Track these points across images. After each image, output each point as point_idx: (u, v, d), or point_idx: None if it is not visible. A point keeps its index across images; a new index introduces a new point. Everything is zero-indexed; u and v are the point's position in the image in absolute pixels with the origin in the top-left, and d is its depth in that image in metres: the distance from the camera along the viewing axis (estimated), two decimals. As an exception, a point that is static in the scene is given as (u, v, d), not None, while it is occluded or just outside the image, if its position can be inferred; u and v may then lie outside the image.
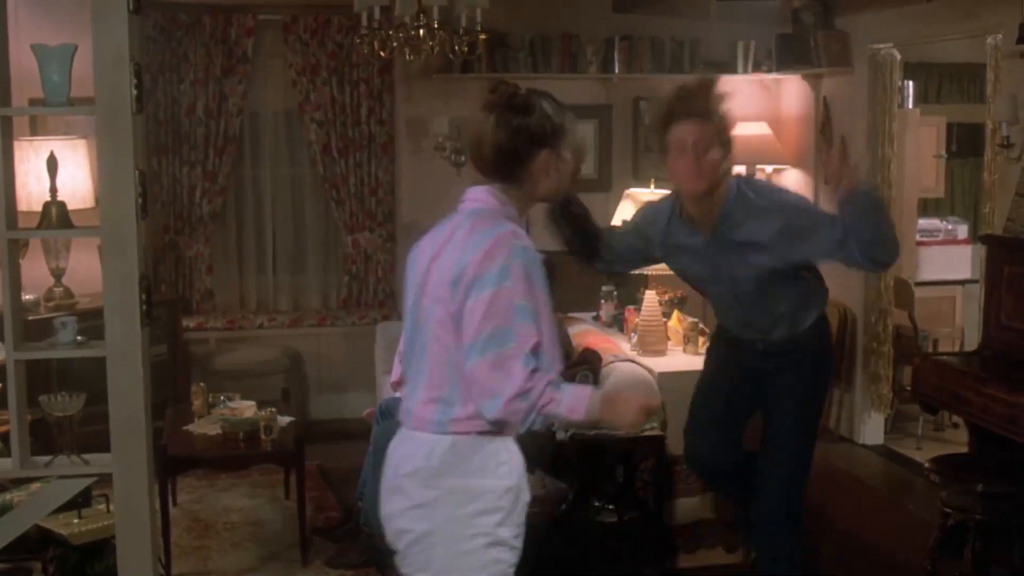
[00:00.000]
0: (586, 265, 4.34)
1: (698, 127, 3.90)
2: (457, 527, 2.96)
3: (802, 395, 4.29)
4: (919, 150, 8.30)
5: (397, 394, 5.98)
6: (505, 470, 2.99)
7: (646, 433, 4.65)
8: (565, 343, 5.54)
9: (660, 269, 5.57)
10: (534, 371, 2.84)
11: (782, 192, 4.23)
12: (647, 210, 4.39)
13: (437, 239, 3.11)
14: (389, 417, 5.33)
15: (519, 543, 3.05)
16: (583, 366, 5.10)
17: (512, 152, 3.01)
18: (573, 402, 2.88)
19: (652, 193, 5.68)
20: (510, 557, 3.03)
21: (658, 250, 4.29)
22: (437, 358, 2.99)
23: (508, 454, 3.01)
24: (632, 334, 5.80)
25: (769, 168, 8.17)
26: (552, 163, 3.05)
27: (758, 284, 4.05)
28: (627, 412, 2.94)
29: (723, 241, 4.01)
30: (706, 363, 4.62)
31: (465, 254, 2.93)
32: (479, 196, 3.08)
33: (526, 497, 3.06)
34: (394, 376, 6.20)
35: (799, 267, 4.11)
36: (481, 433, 2.95)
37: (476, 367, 2.85)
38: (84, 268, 6.65)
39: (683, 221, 4.11)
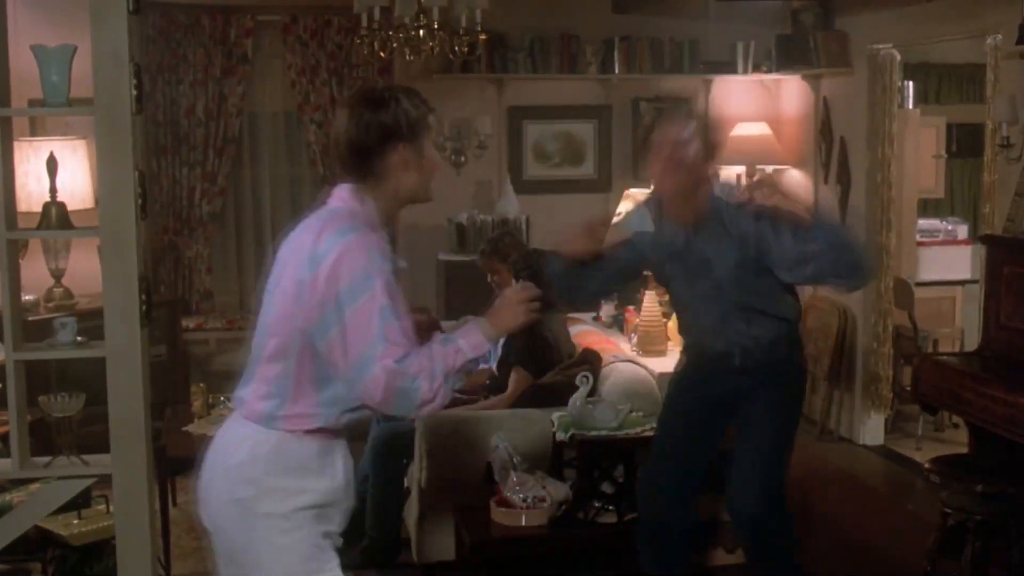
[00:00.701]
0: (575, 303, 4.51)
1: (680, 129, 4.04)
2: (276, 524, 2.93)
3: (782, 409, 4.24)
4: (919, 150, 8.30)
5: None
6: (330, 472, 2.99)
7: (645, 434, 4.64)
8: (566, 343, 5.54)
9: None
10: (406, 356, 2.81)
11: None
12: (629, 222, 4.42)
13: (297, 234, 3.07)
14: (387, 418, 5.33)
15: (335, 545, 3.04)
16: (583, 366, 5.10)
17: (365, 147, 2.98)
18: (470, 341, 2.89)
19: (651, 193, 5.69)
20: (330, 560, 3.02)
21: (649, 255, 4.28)
22: (273, 354, 2.97)
23: (333, 456, 3.01)
24: (632, 334, 5.80)
25: (769, 168, 8.17)
26: (410, 159, 3.01)
27: (739, 275, 4.05)
28: (511, 311, 2.98)
29: (706, 235, 4.06)
30: (664, 408, 4.50)
31: (314, 260, 2.89)
32: (342, 195, 3.07)
33: (349, 502, 3.07)
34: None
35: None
36: (309, 432, 2.95)
37: (370, 385, 2.81)
38: (84, 269, 6.64)
39: (666, 222, 4.17)
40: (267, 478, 2.93)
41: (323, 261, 2.86)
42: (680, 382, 4.47)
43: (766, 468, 4.16)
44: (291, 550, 2.94)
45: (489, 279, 5.98)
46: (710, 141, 4.08)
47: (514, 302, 3.00)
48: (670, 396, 4.49)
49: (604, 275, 4.28)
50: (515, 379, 5.34)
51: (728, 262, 4.05)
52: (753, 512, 4.13)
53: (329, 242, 2.89)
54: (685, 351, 4.51)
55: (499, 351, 5.81)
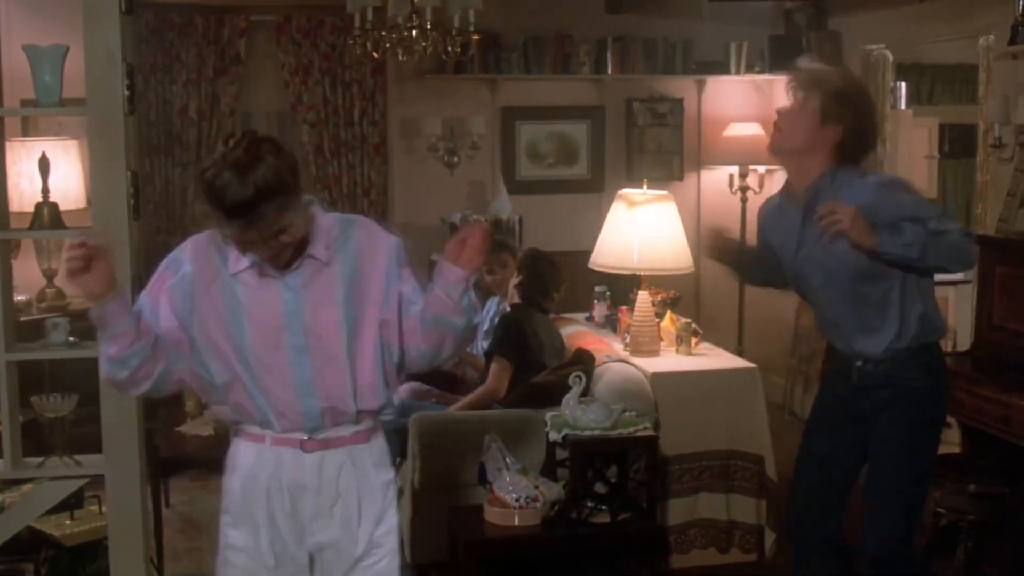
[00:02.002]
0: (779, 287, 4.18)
1: (803, 90, 3.73)
2: None
3: (905, 441, 3.82)
4: (911, 151, 8.31)
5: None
6: (236, 473, 3.05)
7: (638, 434, 4.64)
8: (553, 340, 5.56)
9: (653, 270, 5.59)
10: None
11: (883, 174, 3.93)
12: (763, 212, 4.10)
13: None
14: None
15: (249, 545, 3.02)
16: (576, 366, 5.10)
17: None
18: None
19: (644, 194, 5.69)
20: (241, 561, 3.03)
21: (770, 237, 3.98)
22: None
23: (242, 455, 3.06)
24: (625, 334, 5.79)
25: (762, 169, 8.18)
26: None
27: (852, 275, 3.69)
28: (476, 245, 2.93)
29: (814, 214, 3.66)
30: (813, 406, 4.16)
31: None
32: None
33: (259, 505, 3.03)
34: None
35: (904, 279, 3.73)
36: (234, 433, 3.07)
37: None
38: (76, 269, 6.63)
39: (788, 199, 3.87)
40: None
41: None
42: (824, 383, 4.19)
43: (887, 506, 3.81)
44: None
45: (486, 274, 5.99)
46: (835, 102, 3.70)
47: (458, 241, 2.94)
48: (820, 391, 4.17)
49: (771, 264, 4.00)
50: (494, 369, 5.36)
51: (843, 249, 3.60)
52: (874, 551, 3.80)
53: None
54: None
55: (484, 345, 5.84)
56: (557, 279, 5.67)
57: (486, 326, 6.03)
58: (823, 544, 3.98)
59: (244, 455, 3.04)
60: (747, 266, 4.19)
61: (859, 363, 3.81)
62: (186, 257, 2.99)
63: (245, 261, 2.91)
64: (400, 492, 5.11)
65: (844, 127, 3.69)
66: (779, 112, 3.80)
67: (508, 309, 5.76)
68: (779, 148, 3.80)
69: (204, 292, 2.94)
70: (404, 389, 5.70)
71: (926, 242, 3.49)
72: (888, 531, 3.79)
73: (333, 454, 2.99)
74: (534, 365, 5.37)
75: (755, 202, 7.24)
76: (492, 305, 6.17)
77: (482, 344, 5.94)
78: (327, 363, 2.93)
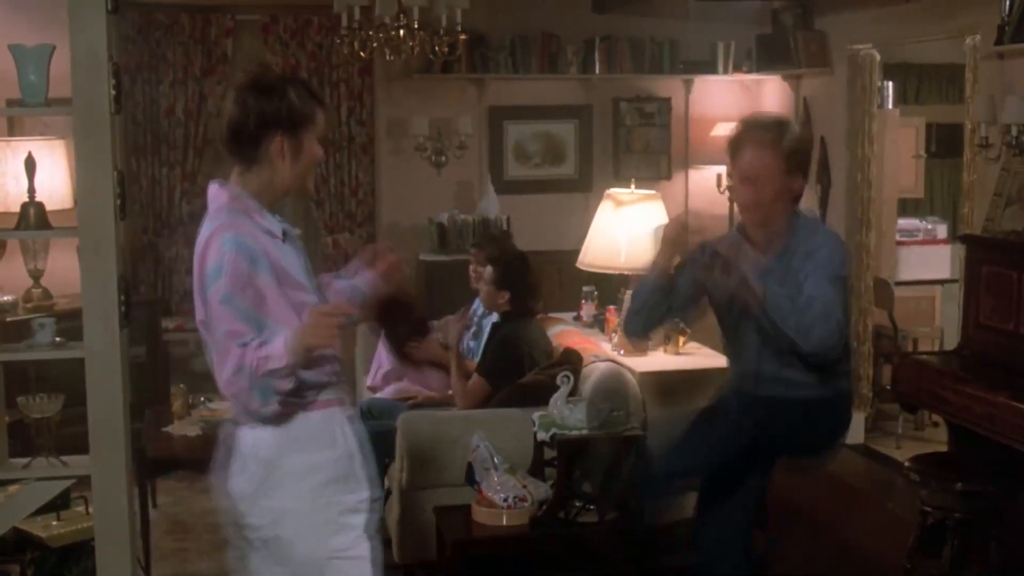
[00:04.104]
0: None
1: (762, 158, 3.73)
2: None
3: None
4: (898, 150, 8.33)
5: (378, 395, 6.00)
6: (340, 442, 3.11)
7: (626, 433, 4.64)
8: (543, 344, 5.53)
9: (641, 269, 5.58)
10: (244, 345, 2.90)
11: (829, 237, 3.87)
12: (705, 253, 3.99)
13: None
14: (370, 418, 5.32)
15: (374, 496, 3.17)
16: (564, 366, 5.09)
17: (244, 132, 3.00)
18: (277, 348, 2.90)
19: (632, 193, 5.70)
20: (363, 520, 3.14)
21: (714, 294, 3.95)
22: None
23: (336, 425, 3.12)
24: (613, 334, 5.80)
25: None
26: (287, 149, 3.01)
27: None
28: (316, 329, 2.91)
29: (779, 270, 3.71)
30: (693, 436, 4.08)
31: (195, 256, 3.02)
32: (212, 192, 3.14)
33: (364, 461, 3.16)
34: (369, 380, 6.19)
35: None
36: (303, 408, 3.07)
37: (214, 363, 3.01)
38: (62, 269, 6.61)
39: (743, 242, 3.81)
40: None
41: (197, 251, 3.03)
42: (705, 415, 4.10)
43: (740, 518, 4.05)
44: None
45: (472, 271, 5.95)
46: (797, 152, 3.76)
47: (322, 318, 2.93)
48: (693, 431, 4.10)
49: (672, 300, 3.92)
50: (473, 383, 5.31)
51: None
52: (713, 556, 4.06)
53: (201, 234, 3.05)
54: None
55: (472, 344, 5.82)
56: (535, 277, 5.55)
57: (473, 328, 6.01)
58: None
59: (338, 423, 3.10)
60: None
61: (761, 413, 3.83)
62: (250, 243, 2.97)
63: (278, 227, 3.06)
64: (388, 492, 5.13)
65: (803, 175, 3.79)
66: (748, 170, 3.77)
67: (496, 319, 5.65)
68: (757, 203, 3.78)
69: (279, 266, 3.01)
70: (389, 390, 5.70)
71: (792, 306, 3.54)
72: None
73: None
74: (513, 379, 5.31)
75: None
76: (478, 305, 6.14)
77: (470, 343, 5.92)
78: None
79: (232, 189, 3.07)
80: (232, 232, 2.94)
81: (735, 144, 3.83)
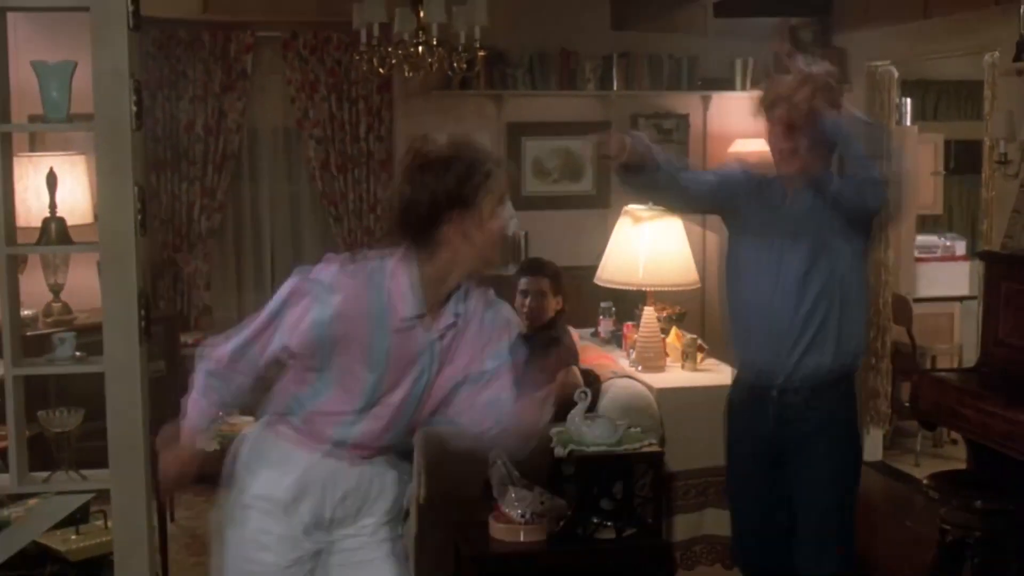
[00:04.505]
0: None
1: (788, 118, 3.74)
2: None
3: (835, 476, 3.87)
4: (917, 167, 8.32)
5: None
6: (289, 471, 3.08)
7: (644, 450, 4.64)
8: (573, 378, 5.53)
9: (659, 285, 5.59)
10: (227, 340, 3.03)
11: None
12: (736, 169, 4.10)
13: None
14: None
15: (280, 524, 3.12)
16: (580, 387, 5.09)
17: (417, 212, 2.85)
18: (191, 403, 3.20)
19: (650, 210, 5.69)
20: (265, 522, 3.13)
21: (732, 204, 3.96)
22: None
23: (295, 457, 3.07)
24: (630, 350, 5.80)
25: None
26: (468, 226, 2.83)
27: (806, 277, 3.73)
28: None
29: (806, 205, 3.77)
30: (730, 454, 4.15)
31: None
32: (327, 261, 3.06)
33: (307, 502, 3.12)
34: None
35: (849, 285, 3.79)
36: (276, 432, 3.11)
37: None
38: (83, 284, 6.64)
39: (776, 183, 3.88)
40: None
41: None
42: (734, 423, 4.11)
43: (831, 535, 3.87)
44: None
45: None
46: (833, 90, 3.76)
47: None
48: (729, 429, 4.13)
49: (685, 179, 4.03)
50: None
51: (808, 243, 3.73)
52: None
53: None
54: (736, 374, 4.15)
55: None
56: None
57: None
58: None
59: (298, 457, 3.04)
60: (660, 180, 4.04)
61: (775, 393, 3.83)
62: (334, 285, 2.88)
63: (411, 309, 2.88)
64: (406, 510, 5.14)
65: (840, 107, 3.76)
66: (788, 134, 3.75)
67: (525, 330, 5.68)
68: (806, 168, 3.77)
69: (352, 323, 2.88)
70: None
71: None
72: (841, 556, 3.86)
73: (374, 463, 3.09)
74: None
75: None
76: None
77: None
78: (426, 407, 3.02)
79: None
80: (313, 294, 2.89)
81: (768, 100, 3.85)
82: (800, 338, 3.78)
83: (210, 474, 5.63)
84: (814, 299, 3.75)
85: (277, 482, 3.02)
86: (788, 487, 3.90)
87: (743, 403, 4.01)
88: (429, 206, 2.81)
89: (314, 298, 2.87)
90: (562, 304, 5.61)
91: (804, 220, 3.78)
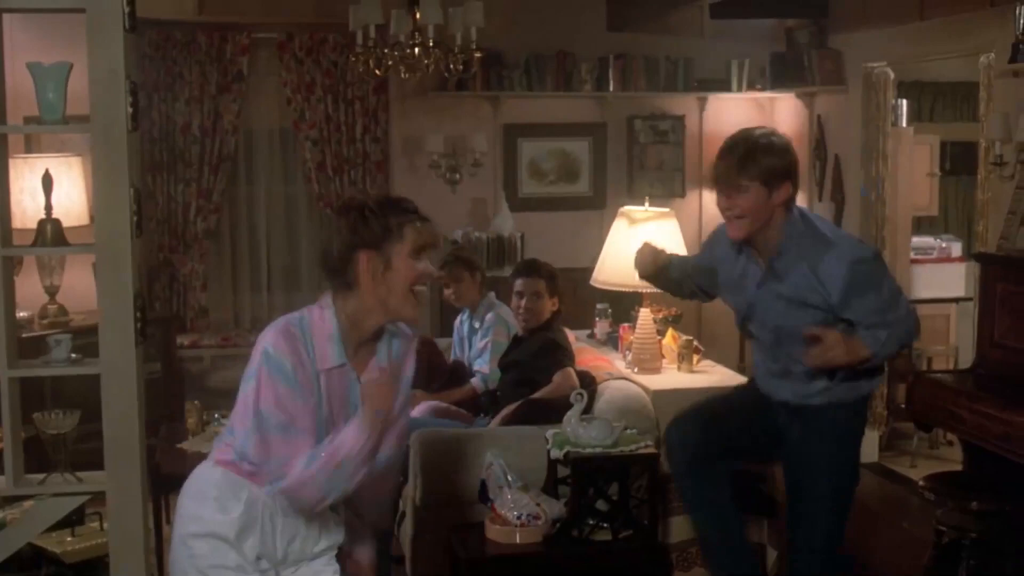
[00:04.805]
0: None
1: (742, 169, 3.76)
2: None
3: (831, 460, 3.99)
4: (912, 168, 8.31)
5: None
6: (236, 505, 3.13)
7: (640, 451, 4.64)
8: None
9: (654, 287, 5.58)
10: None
11: (847, 243, 3.92)
12: (716, 242, 4.17)
13: None
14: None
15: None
16: (576, 389, 5.10)
17: (330, 255, 2.96)
18: (347, 434, 2.93)
19: (646, 211, 5.70)
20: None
21: (720, 281, 4.13)
22: None
23: (244, 492, 3.12)
24: (626, 352, 5.80)
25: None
26: (376, 268, 2.93)
27: (796, 327, 3.81)
28: (377, 394, 2.94)
29: (770, 263, 3.85)
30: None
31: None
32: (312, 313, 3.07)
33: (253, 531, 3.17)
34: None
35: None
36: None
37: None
38: (78, 285, 6.64)
39: (749, 251, 3.95)
40: None
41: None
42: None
43: (823, 508, 4.03)
44: None
45: (445, 290, 6.18)
46: (777, 165, 3.77)
47: (379, 386, 2.97)
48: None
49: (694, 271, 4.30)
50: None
51: (791, 308, 3.81)
52: (810, 547, 4.03)
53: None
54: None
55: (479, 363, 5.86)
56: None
57: (467, 346, 6.12)
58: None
59: (246, 492, 3.09)
60: (674, 280, 4.36)
61: (791, 397, 4.00)
62: (282, 352, 2.93)
63: (334, 360, 2.99)
64: (402, 512, 5.14)
65: (791, 181, 3.79)
66: (727, 202, 3.81)
67: (521, 331, 5.74)
68: (749, 235, 3.84)
69: (304, 383, 2.96)
70: (422, 408, 5.71)
71: (890, 335, 3.76)
72: (825, 529, 4.01)
73: None
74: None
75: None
76: (465, 319, 6.19)
77: (475, 362, 5.99)
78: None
79: (318, 309, 3.01)
80: (284, 348, 2.93)
81: (715, 165, 3.91)
82: (799, 375, 3.92)
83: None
84: (789, 355, 3.89)
85: (224, 515, 3.09)
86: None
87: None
88: (341, 246, 2.93)
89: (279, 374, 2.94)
90: (558, 305, 5.66)
91: (763, 291, 3.88)
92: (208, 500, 3.12)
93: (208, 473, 3.16)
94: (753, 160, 3.74)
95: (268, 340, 2.93)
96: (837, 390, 3.90)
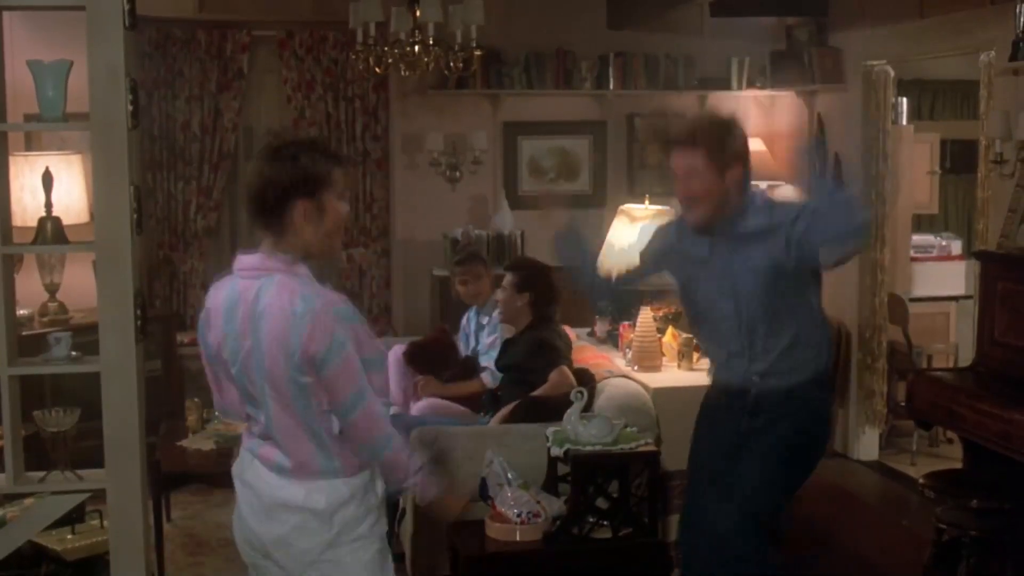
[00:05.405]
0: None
1: (692, 158, 3.82)
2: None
3: (781, 450, 3.91)
4: (913, 166, 8.32)
5: (393, 409, 6.01)
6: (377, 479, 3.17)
7: (640, 449, 4.64)
8: (569, 346, 5.58)
9: (655, 285, 5.58)
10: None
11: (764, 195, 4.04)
12: (657, 236, 4.31)
13: (235, 309, 3.10)
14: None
15: None
16: (573, 386, 5.10)
17: (266, 202, 2.96)
18: (403, 468, 3.11)
19: (647, 209, 5.70)
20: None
21: (670, 267, 4.19)
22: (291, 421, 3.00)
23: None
24: (627, 350, 5.80)
25: (763, 184, 8.17)
26: (310, 214, 2.95)
27: (764, 296, 3.81)
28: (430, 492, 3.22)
29: (730, 239, 3.85)
30: (692, 448, 4.26)
31: (290, 334, 2.89)
32: (254, 261, 3.04)
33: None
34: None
35: (806, 288, 3.90)
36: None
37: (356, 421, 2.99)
38: (78, 283, 6.64)
39: (692, 231, 3.98)
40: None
41: (301, 333, 2.91)
42: (703, 414, 4.25)
43: (748, 495, 3.90)
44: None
45: (460, 288, 6.17)
46: (727, 146, 3.84)
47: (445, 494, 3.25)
48: (696, 429, 4.26)
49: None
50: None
51: (753, 270, 3.80)
52: (719, 532, 3.89)
53: (297, 314, 2.92)
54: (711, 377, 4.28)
55: (490, 368, 5.85)
56: (557, 287, 5.64)
57: (473, 343, 6.11)
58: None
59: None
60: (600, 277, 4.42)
61: (756, 377, 3.93)
62: (342, 301, 3.01)
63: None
64: (402, 510, 5.14)
65: (742, 162, 3.86)
66: (686, 188, 3.87)
67: (507, 331, 5.75)
68: (706, 218, 3.88)
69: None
70: (423, 405, 5.71)
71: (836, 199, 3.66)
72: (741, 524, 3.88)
73: None
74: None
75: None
76: (472, 316, 6.20)
77: (483, 357, 5.98)
78: None
79: (281, 260, 2.99)
80: (333, 304, 2.95)
81: (667, 148, 3.96)
82: (751, 364, 3.92)
83: (206, 474, 5.65)
84: (754, 331, 3.89)
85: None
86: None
87: (716, 406, 4.17)
88: (277, 192, 2.94)
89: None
90: (530, 308, 5.62)
91: (725, 268, 3.89)
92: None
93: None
94: (702, 142, 3.80)
95: (328, 304, 2.93)
96: (796, 371, 3.89)
